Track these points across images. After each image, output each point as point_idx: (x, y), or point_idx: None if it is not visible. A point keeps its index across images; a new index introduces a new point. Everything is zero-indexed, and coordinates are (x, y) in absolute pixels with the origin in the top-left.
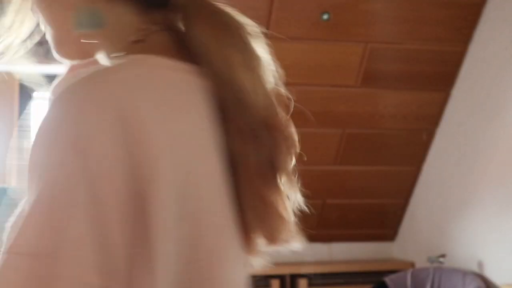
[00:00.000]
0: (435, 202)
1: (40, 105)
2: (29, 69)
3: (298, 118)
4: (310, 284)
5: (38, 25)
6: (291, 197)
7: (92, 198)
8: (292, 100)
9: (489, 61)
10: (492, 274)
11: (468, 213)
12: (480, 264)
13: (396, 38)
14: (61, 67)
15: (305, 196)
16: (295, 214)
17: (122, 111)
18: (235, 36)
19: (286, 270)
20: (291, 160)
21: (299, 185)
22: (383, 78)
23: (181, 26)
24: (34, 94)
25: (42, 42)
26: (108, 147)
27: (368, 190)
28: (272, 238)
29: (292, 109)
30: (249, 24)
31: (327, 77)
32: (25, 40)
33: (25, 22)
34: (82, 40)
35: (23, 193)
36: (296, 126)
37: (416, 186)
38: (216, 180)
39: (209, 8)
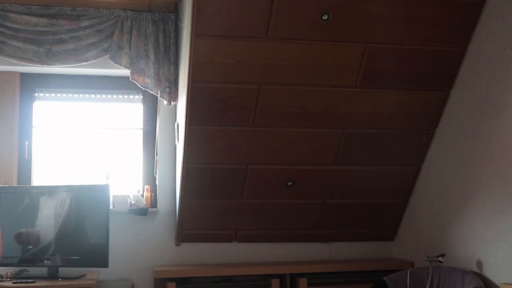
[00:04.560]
0: (435, 202)
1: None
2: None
3: (298, 118)
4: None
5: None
6: None
7: None
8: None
9: (488, 61)
10: (490, 274)
11: (467, 213)
12: (479, 264)
13: (395, 39)
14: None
15: (305, 196)
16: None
17: None
18: None
19: (286, 270)
20: None
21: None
22: (383, 78)
23: None
24: (35, 94)
25: (43, 43)
26: None
27: (368, 190)
28: None
29: (292, 109)
30: None
31: (327, 77)
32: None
33: None
34: None
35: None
36: (296, 126)
37: (416, 186)
38: None
39: None
